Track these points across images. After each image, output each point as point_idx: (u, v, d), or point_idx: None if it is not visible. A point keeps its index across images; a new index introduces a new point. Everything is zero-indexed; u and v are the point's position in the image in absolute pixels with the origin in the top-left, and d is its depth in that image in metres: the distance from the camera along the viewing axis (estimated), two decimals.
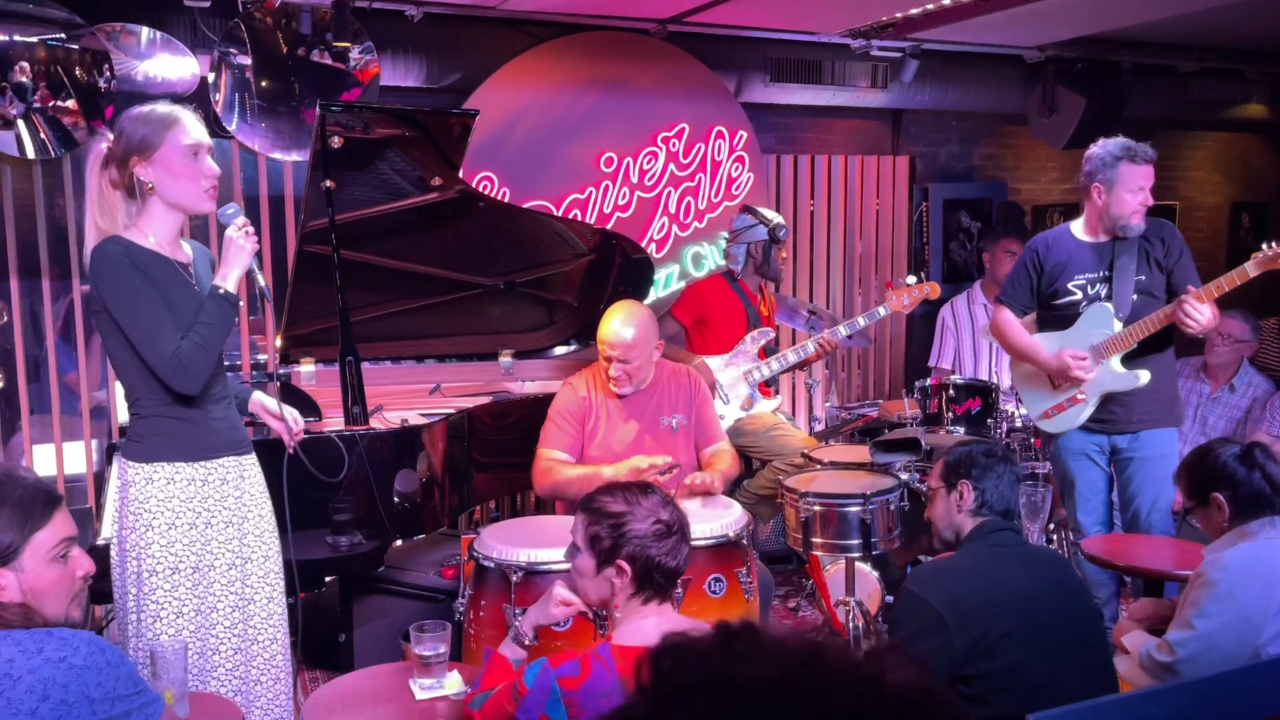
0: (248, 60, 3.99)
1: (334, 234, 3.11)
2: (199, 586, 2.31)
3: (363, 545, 3.02)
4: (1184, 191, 6.72)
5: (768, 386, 4.17)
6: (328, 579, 3.60)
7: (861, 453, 3.59)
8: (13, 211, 3.91)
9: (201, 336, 2.27)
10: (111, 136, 2.34)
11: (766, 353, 4.10)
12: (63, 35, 3.68)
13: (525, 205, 4.37)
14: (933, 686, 0.67)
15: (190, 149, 2.29)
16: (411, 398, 3.90)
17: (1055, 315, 3.48)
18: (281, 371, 3.59)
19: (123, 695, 1.52)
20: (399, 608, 3.44)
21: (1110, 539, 3.35)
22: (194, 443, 2.33)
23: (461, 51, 4.40)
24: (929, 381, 4.22)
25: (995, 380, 4.30)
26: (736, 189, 5.08)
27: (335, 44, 4.03)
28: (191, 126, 2.31)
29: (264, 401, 2.59)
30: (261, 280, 2.41)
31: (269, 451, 2.56)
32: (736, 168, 5.07)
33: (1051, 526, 4.09)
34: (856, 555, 3.17)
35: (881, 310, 4.16)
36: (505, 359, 4.00)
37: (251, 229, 2.38)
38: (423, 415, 3.46)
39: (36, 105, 3.64)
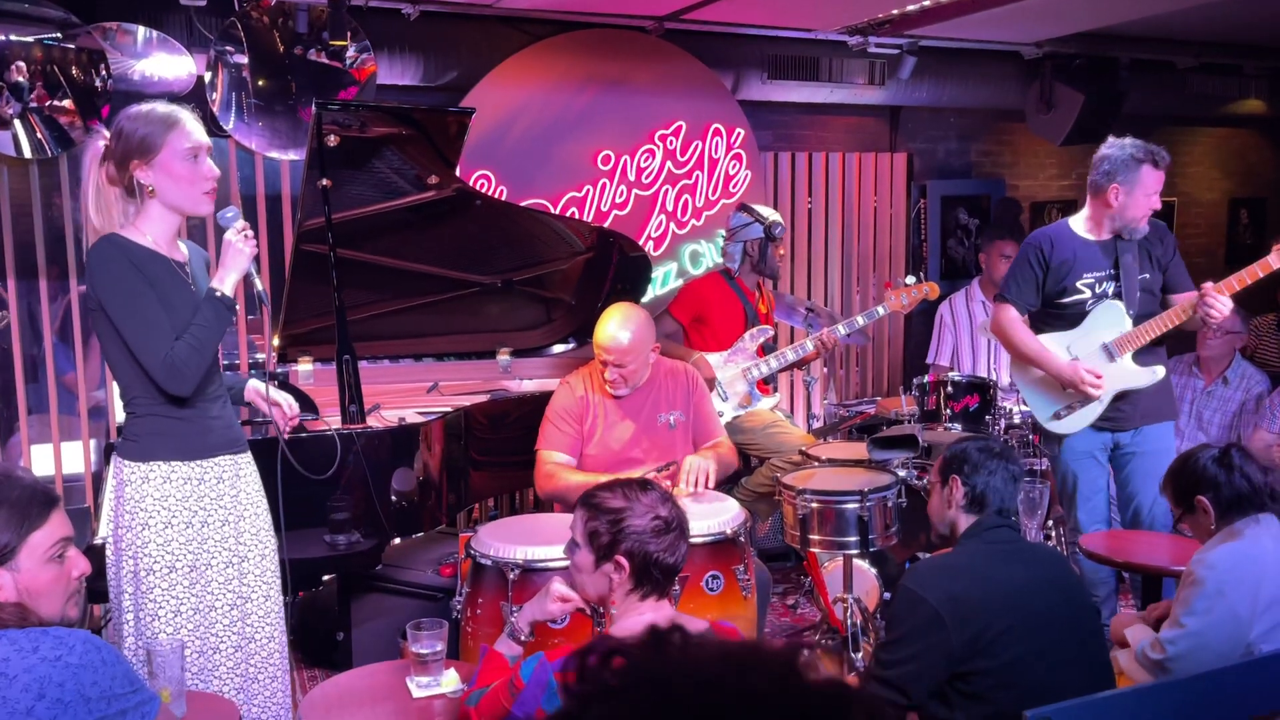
0: (244, 59, 3.98)
1: (331, 233, 3.10)
2: (196, 585, 2.31)
3: (360, 544, 3.02)
4: (1182, 188, 6.71)
5: (766, 384, 4.17)
6: (325, 577, 3.61)
7: (859, 450, 3.59)
8: (9, 211, 3.91)
9: (196, 339, 2.27)
10: (109, 134, 2.33)
11: (765, 350, 4.11)
12: (59, 34, 3.67)
13: (523, 204, 4.37)
14: (852, 687, 0.68)
15: (190, 151, 2.29)
16: (409, 396, 3.90)
17: (1060, 313, 3.44)
18: (279, 370, 3.59)
19: (119, 694, 1.52)
20: (397, 606, 3.44)
21: (1108, 535, 3.35)
22: (190, 442, 2.33)
23: (458, 50, 4.40)
24: (927, 378, 4.22)
25: (993, 377, 4.30)
26: (734, 187, 5.07)
27: (332, 43, 4.02)
28: (192, 128, 2.31)
29: (259, 388, 2.60)
30: (259, 284, 2.41)
31: (265, 450, 2.56)
32: (734, 165, 5.06)
33: (1049, 523, 4.09)
34: (854, 552, 3.17)
35: (880, 310, 4.16)
36: (503, 357, 4.00)
37: (251, 232, 2.38)
38: (420, 414, 3.46)
39: (33, 105, 3.63)
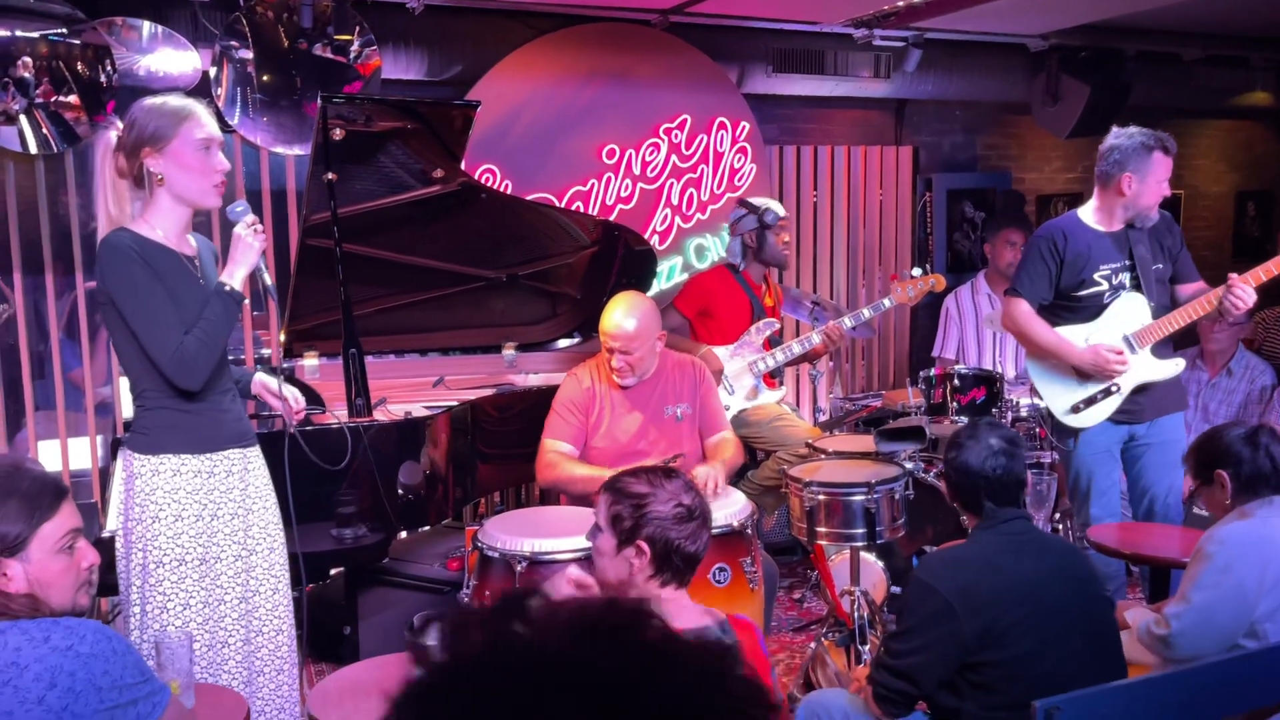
0: (249, 54, 3.98)
1: (336, 227, 3.10)
2: (206, 579, 2.32)
3: (367, 537, 3.02)
4: (1189, 180, 6.69)
5: (772, 378, 4.16)
6: (333, 571, 3.61)
7: (866, 442, 3.58)
8: (15, 207, 3.92)
9: (205, 333, 2.27)
10: (122, 125, 2.33)
11: (771, 344, 4.10)
12: (64, 30, 3.67)
13: (527, 197, 4.37)
14: (725, 646, 0.68)
15: (203, 142, 2.29)
16: (415, 391, 3.90)
17: (1076, 306, 3.39)
18: (285, 365, 3.59)
19: (129, 684, 1.53)
20: (404, 599, 3.44)
21: (1118, 527, 3.33)
22: (199, 435, 2.33)
23: (463, 44, 4.40)
24: (933, 371, 4.21)
25: (1000, 370, 4.29)
26: (739, 180, 5.07)
27: (336, 37, 4.02)
28: (206, 120, 2.31)
29: (266, 381, 2.61)
30: (268, 278, 2.41)
31: (273, 444, 2.57)
32: (739, 159, 5.06)
33: (1057, 516, 4.08)
34: (861, 544, 3.17)
35: (886, 302, 4.16)
36: (508, 352, 4.00)
37: (260, 227, 2.38)
38: (426, 408, 3.47)
39: (39, 100, 3.64)
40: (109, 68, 3.73)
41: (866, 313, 4.15)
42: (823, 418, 4.88)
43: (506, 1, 4.32)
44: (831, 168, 5.44)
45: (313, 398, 3.24)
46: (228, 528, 2.35)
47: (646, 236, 4.60)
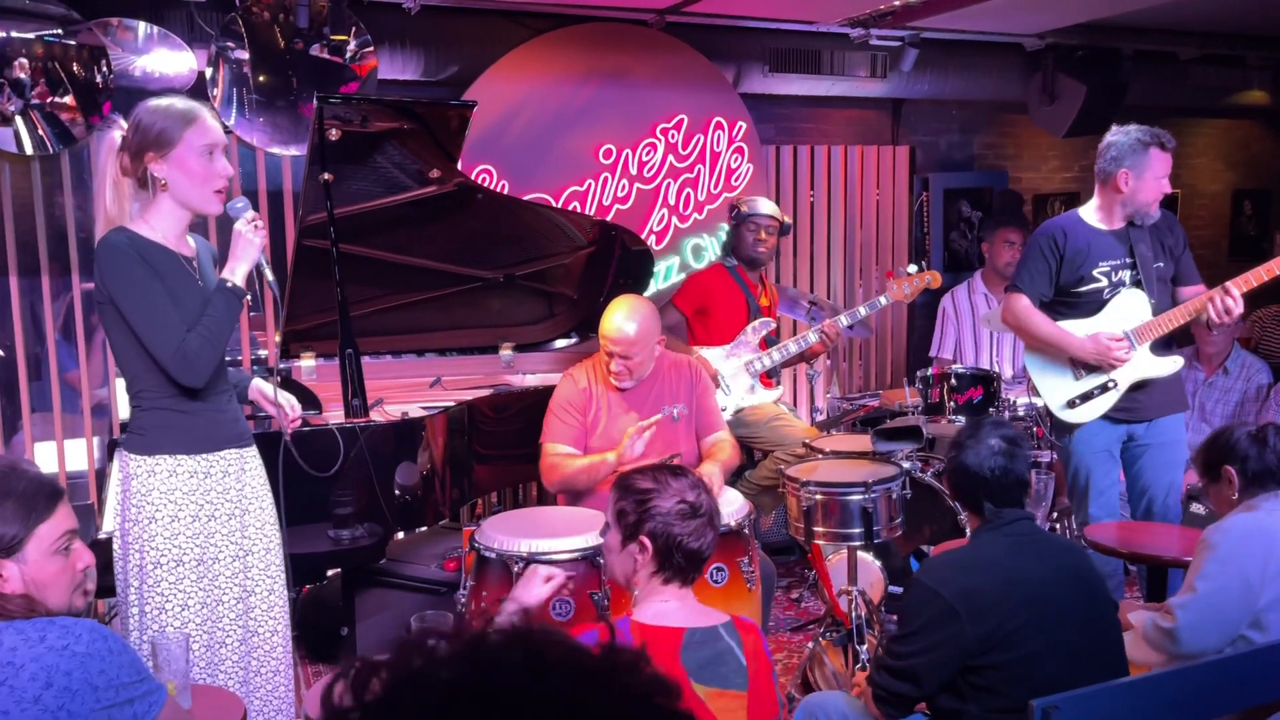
0: (245, 55, 3.98)
1: (333, 228, 3.10)
2: (203, 580, 2.31)
3: (364, 538, 3.02)
4: (1186, 179, 6.70)
5: (769, 378, 4.17)
6: (329, 572, 3.60)
7: (863, 442, 3.58)
8: (11, 209, 3.91)
9: (208, 330, 2.27)
10: (126, 125, 2.32)
11: (767, 344, 4.10)
12: (60, 31, 3.67)
13: (524, 198, 4.37)
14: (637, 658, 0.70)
15: (206, 147, 2.29)
16: (412, 391, 3.89)
17: (1076, 302, 3.39)
18: (282, 366, 3.59)
19: (126, 683, 1.52)
20: (401, 600, 3.44)
21: (1116, 526, 3.33)
22: (196, 435, 2.33)
23: (459, 44, 4.40)
24: (930, 371, 4.22)
25: (996, 369, 4.30)
26: (736, 180, 5.07)
27: (333, 37, 4.02)
28: (210, 124, 2.31)
29: (262, 388, 2.61)
30: (270, 274, 2.41)
31: (269, 444, 2.56)
32: (736, 159, 5.06)
33: (1054, 515, 4.09)
34: (858, 544, 3.17)
35: (882, 300, 4.16)
36: (505, 352, 3.99)
37: (260, 223, 2.38)
38: (423, 408, 3.46)
39: (34, 101, 3.63)
40: (105, 68, 3.72)
41: (863, 310, 4.15)
42: (820, 417, 4.88)
43: (503, 1, 4.32)
44: (828, 167, 5.45)
45: (309, 399, 3.24)
46: (225, 528, 2.35)
47: (643, 236, 4.60)
